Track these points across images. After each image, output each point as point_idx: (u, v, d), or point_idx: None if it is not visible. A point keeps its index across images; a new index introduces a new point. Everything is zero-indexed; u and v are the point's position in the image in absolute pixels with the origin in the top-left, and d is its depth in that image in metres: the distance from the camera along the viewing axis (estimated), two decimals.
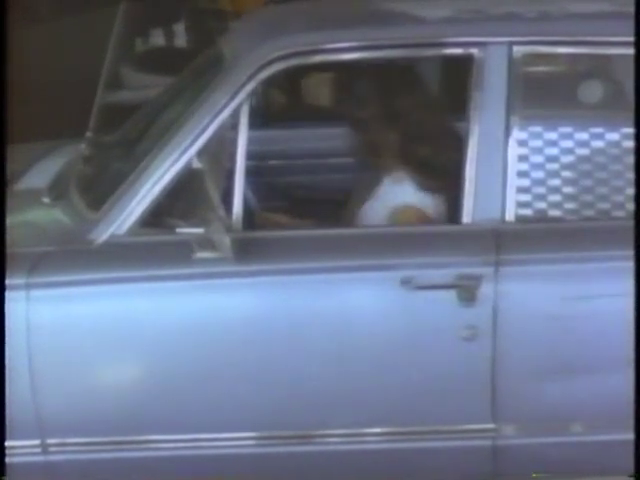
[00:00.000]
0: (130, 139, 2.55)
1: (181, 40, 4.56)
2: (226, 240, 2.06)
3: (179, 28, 4.57)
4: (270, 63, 2.14)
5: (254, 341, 2.15)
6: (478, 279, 2.10)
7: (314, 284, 2.16)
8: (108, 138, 2.72)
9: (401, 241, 2.22)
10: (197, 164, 2.14)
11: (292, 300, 2.16)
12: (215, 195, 2.10)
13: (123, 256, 2.18)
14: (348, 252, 2.18)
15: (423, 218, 2.37)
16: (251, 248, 2.13)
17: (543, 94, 2.21)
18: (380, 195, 2.46)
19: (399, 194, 2.41)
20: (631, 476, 2.00)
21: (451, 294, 2.10)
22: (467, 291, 2.10)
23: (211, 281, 2.15)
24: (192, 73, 2.55)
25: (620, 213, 2.19)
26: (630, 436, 2.13)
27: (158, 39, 4.57)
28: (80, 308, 2.18)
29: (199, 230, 2.08)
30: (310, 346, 2.17)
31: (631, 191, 2.18)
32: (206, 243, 2.07)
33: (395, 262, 2.15)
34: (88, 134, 2.78)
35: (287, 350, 2.17)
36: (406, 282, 2.11)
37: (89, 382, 2.20)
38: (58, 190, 2.55)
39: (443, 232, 2.27)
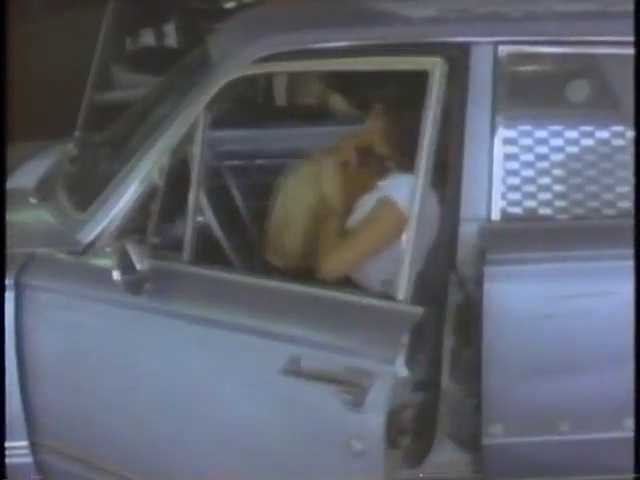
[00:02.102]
0: (117, 139, 2.55)
1: (172, 40, 4.56)
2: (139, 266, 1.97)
3: (170, 28, 4.56)
4: (255, 62, 2.13)
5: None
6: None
7: (200, 337, 2.05)
8: (96, 138, 2.72)
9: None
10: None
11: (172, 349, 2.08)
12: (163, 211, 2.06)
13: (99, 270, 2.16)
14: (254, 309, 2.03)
15: (397, 219, 2.29)
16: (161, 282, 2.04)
17: (529, 94, 2.20)
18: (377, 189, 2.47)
19: (388, 187, 2.40)
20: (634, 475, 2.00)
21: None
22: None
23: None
24: (179, 73, 2.55)
25: (609, 212, 2.19)
26: (620, 434, 2.17)
27: (148, 39, 4.56)
28: (62, 314, 2.20)
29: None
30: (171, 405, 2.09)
31: (619, 189, 2.18)
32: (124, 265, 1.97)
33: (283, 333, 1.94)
34: (76, 134, 2.78)
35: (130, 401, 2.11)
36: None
37: (66, 389, 2.21)
38: (45, 190, 2.56)
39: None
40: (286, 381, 1.89)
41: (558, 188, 2.18)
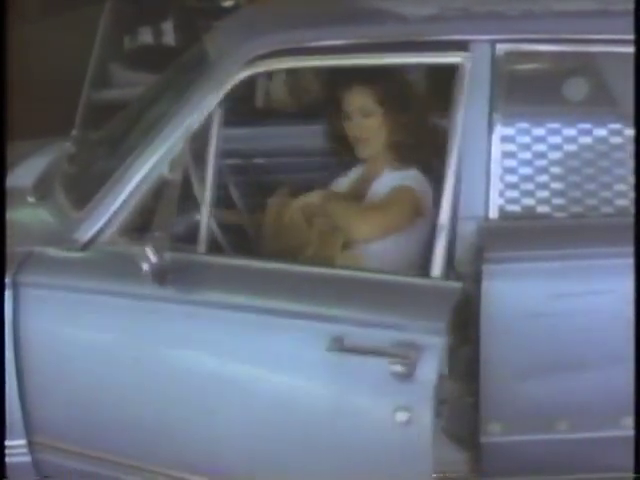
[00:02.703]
0: (115, 137, 2.55)
1: (169, 38, 4.56)
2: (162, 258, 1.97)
3: (167, 26, 4.56)
4: (253, 61, 2.14)
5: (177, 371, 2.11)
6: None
7: (234, 323, 2.07)
8: (93, 136, 2.72)
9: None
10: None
11: (209, 338, 2.08)
12: (173, 208, 2.06)
13: (99, 265, 2.18)
14: (285, 293, 2.07)
15: (416, 200, 2.38)
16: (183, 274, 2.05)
17: (526, 92, 2.20)
18: (379, 185, 2.50)
19: (397, 178, 2.46)
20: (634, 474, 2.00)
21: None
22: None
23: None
24: (176, 71, 2.55)
25: (606, 210, 2.19)
26: (617, 433, 2.17)
27: (146, 37, 4.57)
28: (61, 311, 2.19)
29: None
30: (213, 394, 2.09)
31: (617, 187, 2.18)
32: (146, 258, 1.97)
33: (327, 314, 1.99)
34: (74, 132, 2.78)
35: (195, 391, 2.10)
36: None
37: (67, 384, 2.20)
38: (43, 189, 2.56)
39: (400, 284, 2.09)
40: (331, 358, 1.94)
41: (556, 186, 2.18)
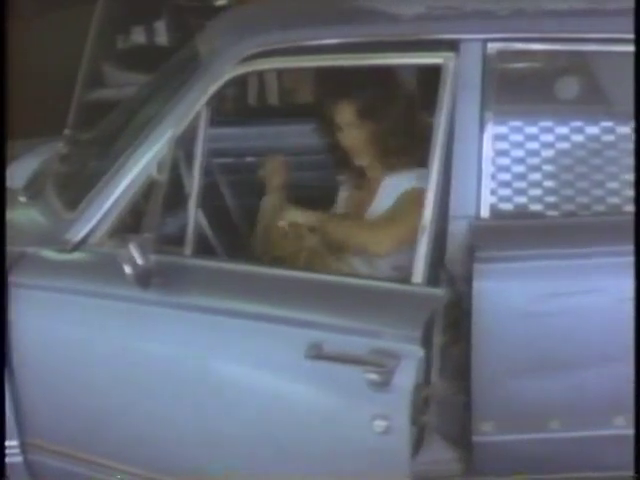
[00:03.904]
0: (106, 137, 2.55)
1: (162, 38, 4.55)
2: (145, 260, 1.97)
3: (160, 26, 4.56)
4: (243, 61, 2.14)
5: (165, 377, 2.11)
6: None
7: (214, 327, 2.06)
8: (85, 136, 2.71)
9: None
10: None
11: (190, 342, 2.08)
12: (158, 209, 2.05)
13: (89, 267, 2.18)
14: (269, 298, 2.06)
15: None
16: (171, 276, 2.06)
17: (518, 90, 2.20)
18: (383, 191, 2.49)
19: (403, 182, 2.45)
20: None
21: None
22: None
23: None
24: (167, 71, 2.55)
25: (598, 208, 2.19)
26: (610, 432, 2.17)
27: (139, 37, 4.56)
28: (52, 312, 2.19)
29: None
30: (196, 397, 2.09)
31: (609, 186, 2.18)
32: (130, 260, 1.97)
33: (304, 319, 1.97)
34: (66, 132, 2.78)
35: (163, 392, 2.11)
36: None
37: (57, 384, 2.20)
38: (35, 189, 2.55)
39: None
40: (309, 365, 1.93)
41: (547, 185, 2.19)
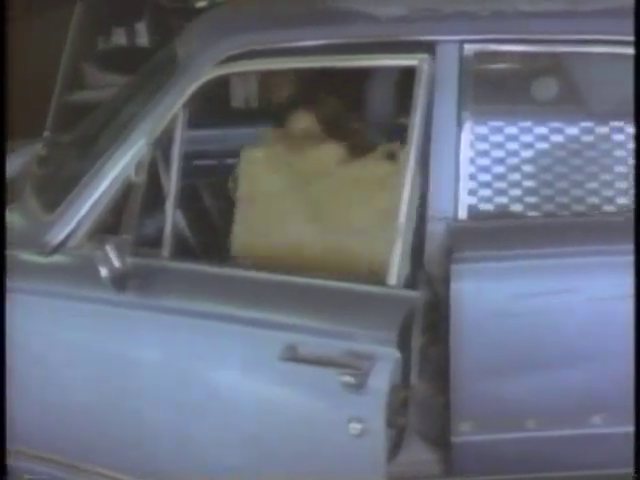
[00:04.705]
0: (86, 140, 2.54)
1: (143, 39, 4.55)
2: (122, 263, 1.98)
3: (141, 27, 4.55)
4: (221, 63, 2.14)
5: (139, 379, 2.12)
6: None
7: (190, 330, 2.07)
8: (65, 138, 2.71)
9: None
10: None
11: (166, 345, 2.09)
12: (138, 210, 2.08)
13: (68, 269, 2.18)
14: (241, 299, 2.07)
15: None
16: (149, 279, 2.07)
17: (495, 91, 2.22)
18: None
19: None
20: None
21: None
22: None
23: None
24: (147, 73, 2.54)
25: (576, 208, 2.20)
26: (586, 431, 2.19)
27: (120, 38, 4.55)
28: (32, 314, 2.18)
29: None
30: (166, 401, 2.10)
31: (587, 186, 2.20)
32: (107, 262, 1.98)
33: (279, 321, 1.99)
34: (46, 134, 2.77)
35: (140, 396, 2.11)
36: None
37: (39, 392, 2.20)
38: (14, 191, 2.54)
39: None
40: (285, 367, 1.93)
41: (525, 185, 2.20)
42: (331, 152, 2.46)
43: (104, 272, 1.97)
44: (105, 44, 4.54)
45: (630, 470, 2.00)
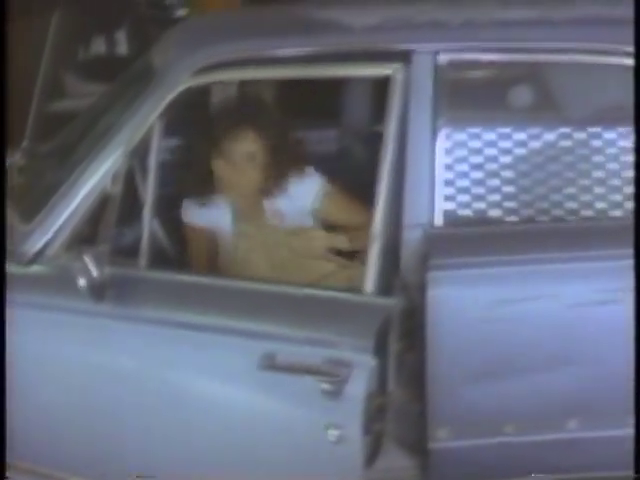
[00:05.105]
0: (63, 149, 2.54)
1: (123, 48, 4.56)
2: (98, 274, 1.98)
3: (121, 36, 4.56)
4: (200, 72, 2.15)
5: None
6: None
7: (168, 340, 2.08)
8: (43, 148, 2.71)
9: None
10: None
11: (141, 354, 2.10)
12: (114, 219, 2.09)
13: (45, 280, 2.18)
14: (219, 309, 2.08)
15: (349, 204, 2.42)
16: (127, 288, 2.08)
17: (469, 100, 2.23)
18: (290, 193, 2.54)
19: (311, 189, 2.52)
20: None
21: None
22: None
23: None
24: (124, 82, 2.55)
25: (553, 214, 2.22)
26: (563, 436, 2.20)
27: (100, 47, 4.56)
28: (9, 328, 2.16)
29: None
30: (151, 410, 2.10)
31: (565, 191, 2.21)
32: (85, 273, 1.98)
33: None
34: (24, 144, 2.77)
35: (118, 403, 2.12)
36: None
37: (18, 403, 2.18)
38: None
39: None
40: (263, 375, 1.95)
41: (500, 193, 2.21)
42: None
43: (82, 282, 1.97)
44: (85, 53, 4.54)
45: (630, 473, 2.03)
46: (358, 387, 1.92)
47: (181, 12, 4.75)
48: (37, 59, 2.93)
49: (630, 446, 2.15)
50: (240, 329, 2.01)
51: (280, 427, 2.01)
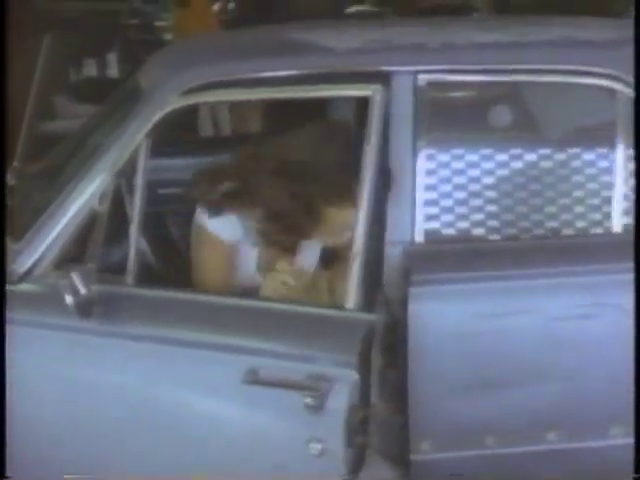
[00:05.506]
0: (53, 169, 2.58)
1: (113, 70, 4.61)
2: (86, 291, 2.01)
3: (112, 58, 4.61)
4: (186, 93, 2.20)
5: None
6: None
7: (151, 356, 2.10)
8: (33, 168, 2.75)
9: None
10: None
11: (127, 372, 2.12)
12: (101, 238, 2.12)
13: (35, 298, 2.21)
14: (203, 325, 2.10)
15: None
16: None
17: (449, 120, 2.28)
18: None
19: None
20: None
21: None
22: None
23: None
24: (112, 104, 2.59)
25: (532, 232, 2.27)
26: (543, 447, 2.23)
27: (91, 69, 4.61)
28: None
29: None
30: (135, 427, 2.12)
31: (548, 210, 2.27)
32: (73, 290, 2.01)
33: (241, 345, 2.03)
34: (14, 164, 2.81)
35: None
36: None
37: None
38: None
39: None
40: (247, 390, 1.98)
41: (479, 211, 2.26)
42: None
43: (69, 300, 2.01)
44: (76, 75, 4.59)
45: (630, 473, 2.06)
46: (339, 401, 1.95)
47: (170, 35, 4.80)
48: (28, 81, 2.97)
49: (611, 456, 2.21)
50: (224, 344, 2.04)
51: (263, 440, 2.04)
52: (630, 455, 2.06)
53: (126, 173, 2.24)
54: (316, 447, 1.95)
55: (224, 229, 2.44)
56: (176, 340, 2.08)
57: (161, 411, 2.12)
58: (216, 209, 2.42)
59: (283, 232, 2.39)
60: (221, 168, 2.52)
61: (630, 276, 2.13)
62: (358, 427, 2.03)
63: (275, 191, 2.33)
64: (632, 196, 2.23)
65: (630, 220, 2.24)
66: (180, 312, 2.15)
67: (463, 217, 2.26)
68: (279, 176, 2.33)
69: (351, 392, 1.96)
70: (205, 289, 2.40)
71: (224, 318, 2.11)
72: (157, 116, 2.19)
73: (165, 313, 2.15)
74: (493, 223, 2.26)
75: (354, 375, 1.96)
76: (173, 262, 2.63)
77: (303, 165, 2.32)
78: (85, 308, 2.03)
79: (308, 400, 1.93)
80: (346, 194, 2.27)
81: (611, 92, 2.23)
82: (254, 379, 1.97)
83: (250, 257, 2.51)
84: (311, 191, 2.31)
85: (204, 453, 2.09)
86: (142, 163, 2.19)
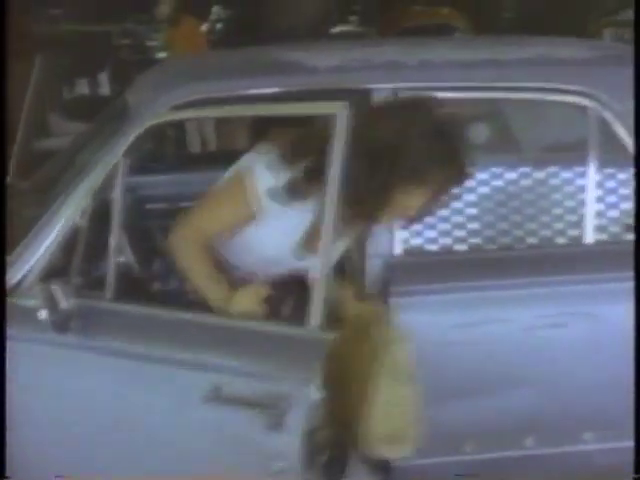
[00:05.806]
0: (43, 185, 2.62)
1: (105, 89, 4.67)
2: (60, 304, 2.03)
3: (103, 77, 4.67)
4: (167, 111, 2.24)
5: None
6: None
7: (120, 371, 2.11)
8: (24, 184, 2.80)
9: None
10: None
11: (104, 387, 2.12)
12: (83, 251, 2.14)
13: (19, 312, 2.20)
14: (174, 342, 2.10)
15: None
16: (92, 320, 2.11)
17: None
18: None
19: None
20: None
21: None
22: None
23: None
24: (101, 121, 2.65)
25: (504, 242, 2.35)
26: (520, 452, 2.30)
27: (83, 88, 4.67)
28: None
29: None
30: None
31: (526, 228, 2.35)
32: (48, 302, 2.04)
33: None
34: (8, 180, 2.86)
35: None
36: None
37: None
38: None
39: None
40: (209, 408, 1.99)
41: (457, 222, 2.34)
42: None
43: (43, 314, 2.03)
44: (69, 93, 4.65)
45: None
46: (298, 420, 1.94)
47: (161, 55, 4.85)
48: (21, 100, 3.03)
49: (588, 461, 2.27)
50: (188, 361, 2.05)
51: (224, 457, 2.05)
52: (603, 459, 2.12)
53: (106, 190, 2.25)
54: (278, 465, 1.96)
55: (269, 186, 2.17)
56: (145, 356, 2.09)
57: (130, 428, 2.12)
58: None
59: (358, 216, 2.20)
60: (307, 137, 2.28)
61: (603, 286, 2.21)
62: (319, 446, 2.03)
63: (356, 173, 2.11)
64: (632, 196, 2.30)
65: (603, 236, 2.31)
66: (151, 328, 2.15)
67: (440, 229, 2.33)
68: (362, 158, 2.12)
69: (310, 411, 1.96)
70: (192, 237, 2.26)
71: (192, 334, 2.11)
72: (135, 133, 2.21)
73: (137, 329, 2.15)
74: (478, 240, 2.34)
75: (315, 394, 1.95)
76: (160, 276, 2.67)
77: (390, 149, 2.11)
78: (62, 323, 2.05)
79: (269, 418, 1.94)
80: (423, 180, 2.12)
81: (583, 110, 2.29)
82: (216, 396, 1.98)
83: (272, 236, 2.25)
84: (392, 176, 2.11)
85: (169, 468, 2.11)
86: (120, 180, 2.21)
